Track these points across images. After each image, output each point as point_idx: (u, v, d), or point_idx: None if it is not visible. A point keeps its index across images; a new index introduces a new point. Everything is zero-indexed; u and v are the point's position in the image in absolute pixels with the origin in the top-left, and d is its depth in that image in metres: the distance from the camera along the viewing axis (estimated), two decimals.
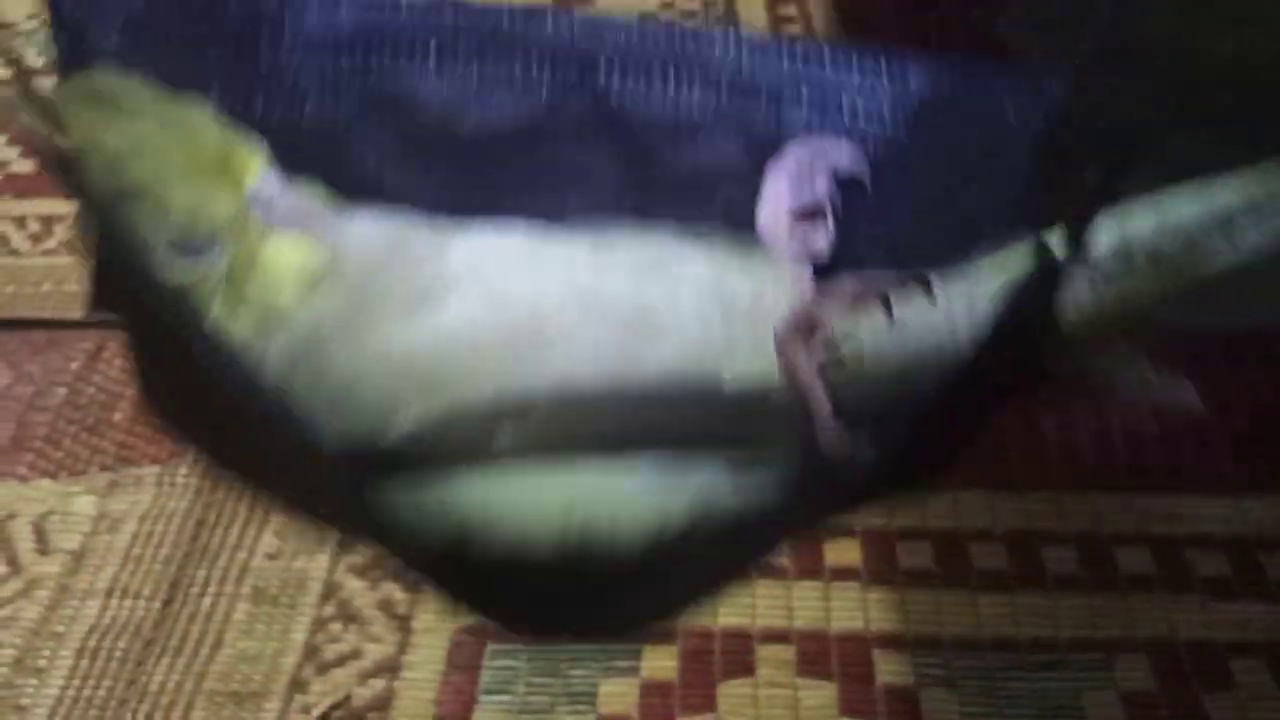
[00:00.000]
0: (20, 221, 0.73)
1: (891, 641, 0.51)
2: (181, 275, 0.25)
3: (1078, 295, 0.25)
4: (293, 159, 0.28)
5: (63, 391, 0.64)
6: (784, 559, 0.54)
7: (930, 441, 0.21)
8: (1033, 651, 0.51)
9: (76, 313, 0.67)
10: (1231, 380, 0.60)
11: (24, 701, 0.51)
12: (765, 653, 0.51)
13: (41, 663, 0.52)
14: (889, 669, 0.51)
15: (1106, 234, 0.21)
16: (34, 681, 0.52)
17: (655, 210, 0.30)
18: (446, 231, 0.28)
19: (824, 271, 0.28)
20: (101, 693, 0.51)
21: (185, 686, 0.51)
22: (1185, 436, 0.58)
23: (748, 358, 0.26)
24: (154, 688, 0.51)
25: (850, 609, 0.53)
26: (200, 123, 0.26)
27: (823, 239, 0.28)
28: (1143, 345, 0.25)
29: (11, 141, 0.78)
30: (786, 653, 0.51)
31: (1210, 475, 0.57)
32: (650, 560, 0.24)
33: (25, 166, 0.77)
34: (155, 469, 0.59)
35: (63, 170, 0.23)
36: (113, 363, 0.65)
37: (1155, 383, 0.25)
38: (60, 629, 0.53)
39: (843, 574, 0.54)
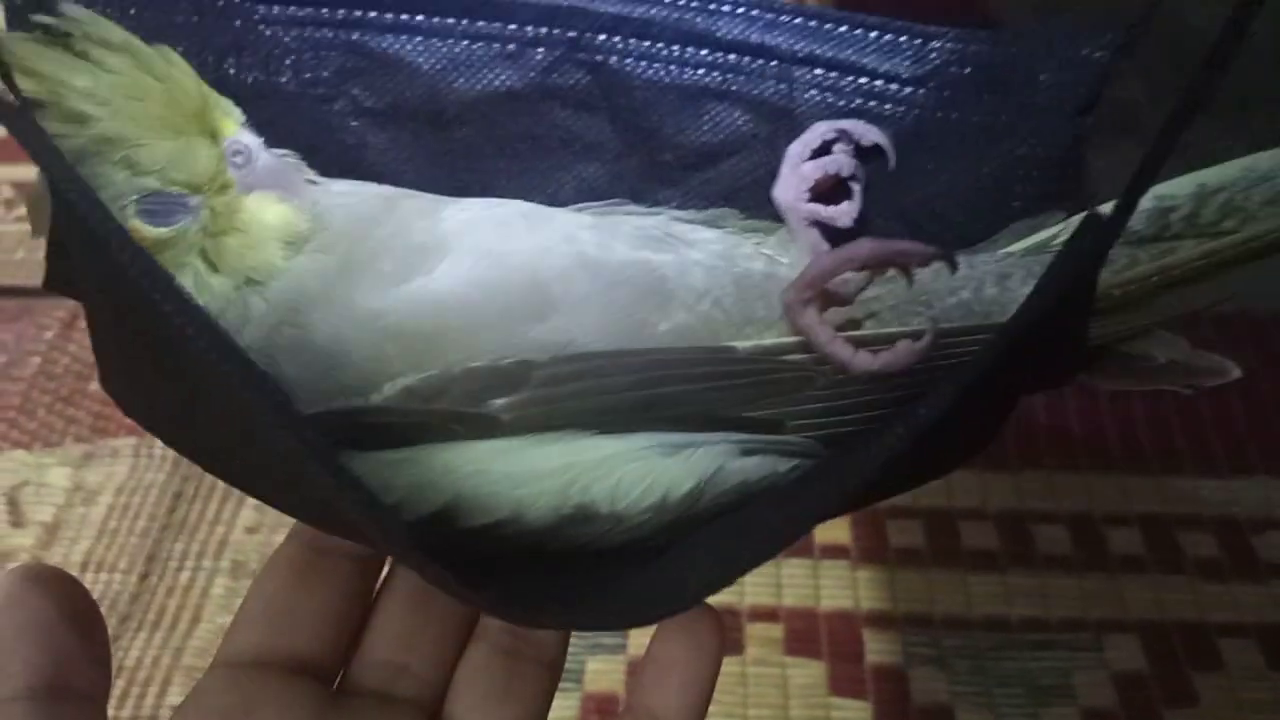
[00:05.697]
0: None
1: (881, 620, 0.51)
2: (152, 237, 0.23)
3: (1112, 262, 0.24)
4: (269, 128, 0.26)
5: (36, 361, 0.62)
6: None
7: (964, 418, 0.19)
8: (1023, 631, 0.50)
9: None
10: None
11: None
12: (754, 631, 0.51)
13: None
14: (878, 648, 0.50)
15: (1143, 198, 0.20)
16: None
17: (659, 182, 0.28)
18: (438, 199, 0.26)
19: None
20: None
21: (162, 662, 0.50)
22: (1176, 418, 0.58)
23: (761, 332, 0.25)
24: (130, 663, 0.50)
25: (840, 587, 0.52)
26: (178, 69, 0.24)
27: (846, 218, 0.26)
28: (1177, 313, 0.24)
29: None
30: (775, 631, 0.51)
31: (1201, 456, 0.57)
32: (652, 537, 0.23)
33: None
34: (132, 440, 0.58)
35: (16, 124, 0.18)
36: (88, 332, 0.63)
37: (1189, 351, 0.24)
38: None
39: (832, 552, 0.53)
